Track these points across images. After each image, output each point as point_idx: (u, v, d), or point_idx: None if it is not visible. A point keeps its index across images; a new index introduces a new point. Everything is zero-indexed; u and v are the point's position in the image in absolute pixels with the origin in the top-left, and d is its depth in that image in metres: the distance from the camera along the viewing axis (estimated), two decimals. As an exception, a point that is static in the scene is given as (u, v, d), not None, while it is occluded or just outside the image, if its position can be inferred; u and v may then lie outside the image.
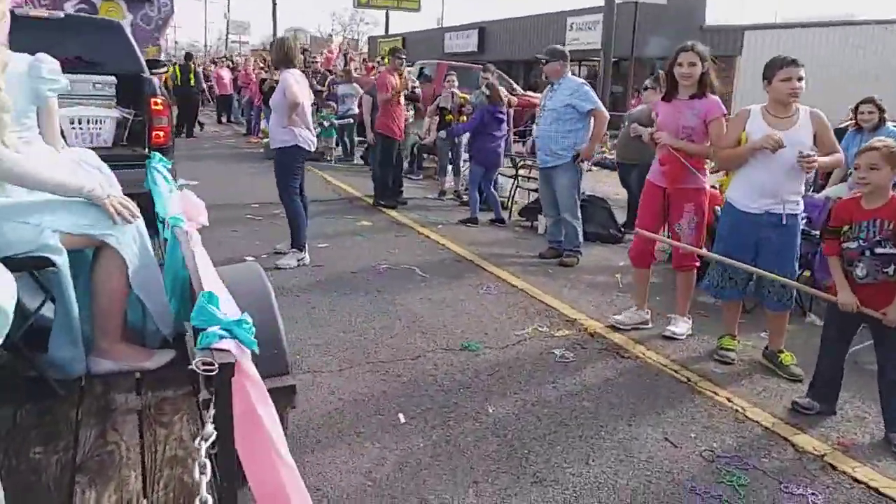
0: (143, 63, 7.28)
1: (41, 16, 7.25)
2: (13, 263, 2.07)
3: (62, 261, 2.15)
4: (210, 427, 1.47)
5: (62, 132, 4.85)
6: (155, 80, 5.93)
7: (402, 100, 7.86)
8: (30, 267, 2.16)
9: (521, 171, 8.07)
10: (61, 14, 7.78)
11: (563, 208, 6.00)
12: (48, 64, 2.59)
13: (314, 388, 3.43)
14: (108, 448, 1.91)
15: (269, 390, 2.30)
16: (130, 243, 2.30)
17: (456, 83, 8.89)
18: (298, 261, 5.50)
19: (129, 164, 5.48)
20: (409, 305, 4.66)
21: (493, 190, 7.57)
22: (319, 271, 5.41)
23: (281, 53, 5.49)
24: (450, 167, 9.16)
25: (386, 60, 8.09)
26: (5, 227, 2.08)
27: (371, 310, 4.56)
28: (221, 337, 1.48)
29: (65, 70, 6.44)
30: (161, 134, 5.87)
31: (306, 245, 5.74)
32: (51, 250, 2.13)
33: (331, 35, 35.75)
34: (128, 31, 7.25)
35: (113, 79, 6.00)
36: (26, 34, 6.49)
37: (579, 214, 6.08)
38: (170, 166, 4.13)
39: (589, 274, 5.73)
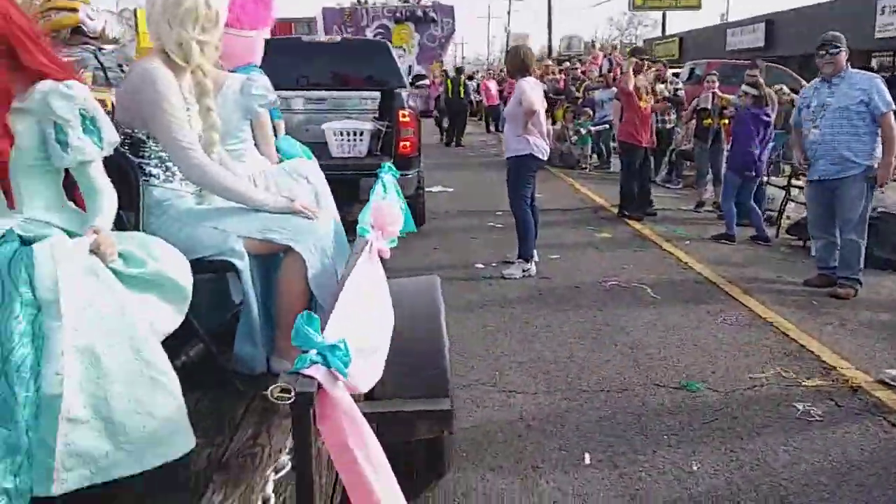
0: (404, 78, 7.83)
1: (322, 41, 8.18)
2: (200, 265, 2.25)
3: (243, 265, 2.27)
4: (283, 458, 1.39)
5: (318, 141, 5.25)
6: (404, 93, 6.28)
7: (647, 103, 7.29)
8: (214, 270, 2.33)
9: (794, 182, 6.98)
10: (338, 38, 8.71)
11: (846, 226, 4.95)
12: (258, 82, 2.81)
13: (504, 408, 3.26)
14: (254, 450, 1.95)
15: (420, 413, 2.23)
16: (311, 248, 2.35)
17: (717, 83, 8.02)
18: (524, 272, 5.38)
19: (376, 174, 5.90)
20: (629, 329, 4.25)
21: (752, 203, 6.65)
22: (543, 284, 5.22)
23: (517, 61, 5.42)
24: (710, 175, 8.31)
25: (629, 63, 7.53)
26: (199, 230, 2.26)
27: (587, 330, 4.25)
28: (314, 362, 1.39)
29: (338, 87, 7.15)
30: (407, 144, 6.20)
31: (534, 256, 5.60)
32: (234, 255, 2.26)
33: (593, 42, 35.15)
34: (392, 50, 7.84)
35: (377, 94, 6.48)
36: (310, 57, 7.38)
37: (866, 235, 5.01)
38: (398, 176, 4.33)
39: (868, 310, 4.69)
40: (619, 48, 20.45)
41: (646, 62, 7.54)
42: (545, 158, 5.47)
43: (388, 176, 4.14)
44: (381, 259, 2.51)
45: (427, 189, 9.42)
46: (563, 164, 11.82)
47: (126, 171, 2.21)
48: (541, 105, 5.39)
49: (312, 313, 1.44)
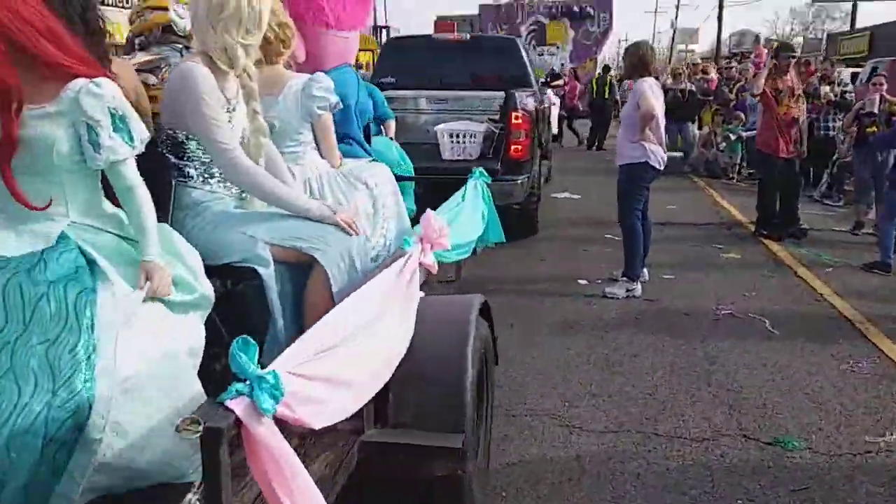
0: (531, 78, 7.60)
1: (451, 38, 8.14)
2: (226, 271, 2.24)
3: (268, 273, 2.22)
4: (189, 496, 1.31)
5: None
6: (520, 94, 6.06)
7: (788, 108, 6.48)
8: (240, 276, 2.29)
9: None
10: (467, 36, 8.62)
11: None
12: (321, 83, 2.76)
13: (563, 446, 3.01)
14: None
15: (430, 449, 2.07)
16: (337, 261, 2.27)
17: (885, 85, 6.98)
18: (628, 292, 5.00)
19: (494, 178, 5.73)
20: (731, 367, 3.79)
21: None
22: (646, 307, 4.81)
23: (635, 59, 5.02)
24: (873, 192, 7.29)
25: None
26: (229, 234, 2.24)
27: (681, 364, 3.84)
28: (239, 393, 1.29)
29: (462, 87, 7.03)
30: (518, 147, 5.99)
31: (643, 275, 5.19)
32: (259, 261, 2.22)
33: (757, 38, 32.30)
34: (522, 48, 7.64)
35: (498, 94, 6.27)
36: (440, 55, 7.36)
37: None
38: (489, 182, 4.16)
39: None
40: (802, 44, 18.55)
41: (793, 60, 6.71)
42: (661, 168, 5.04)
43: (474, 182, 4.01)
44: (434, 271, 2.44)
45: (553, 195, 9.18)
46: (707, 172, 11.01)
47: (159, 170, 2.23)
48: (660, 109, 4.97)
49: (249, 339, 1.34)
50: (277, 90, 2.72)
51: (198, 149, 2.26)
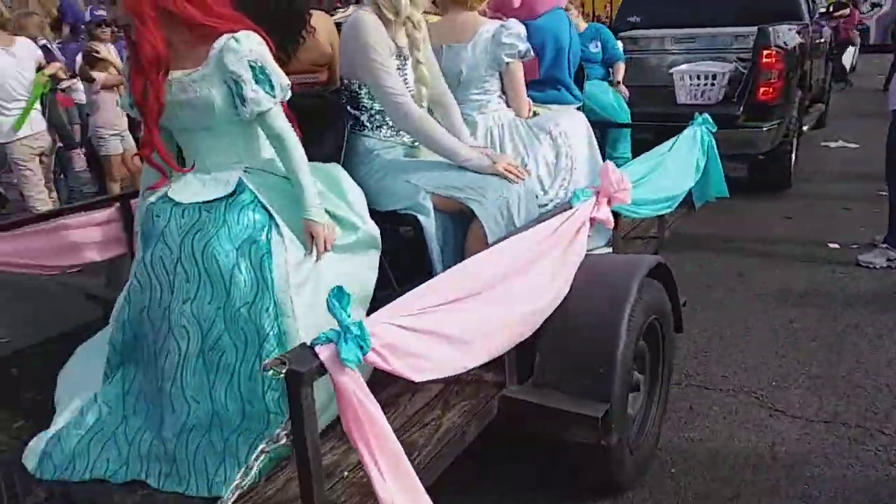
0: (805, 8, 6.55)
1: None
2: (389, 217, 2.33)
3: (428, 221, 2.28)
4: (279, 432, 1.39)
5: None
6: (775, 28, 5.27)
7: None
8: (402, 223, 2.37)
9: None
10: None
11: None
12: (512, 30, 2.68)
13: (756, 430, 2.67)
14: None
15: (566, 413, 1.97)
16: (494, 213, 2.25)
17: None
18: (889, 261, 4.18)
19: (720, 126, 5.12)
20: None
21: None
22: (912, 282, 4.00)
23: None
24: None
25: None
26: (395, 182, 2.33)
27: (942, 354, 3.14)
28: (328, 340, 1.34)
29: (715, 23, 6.35)
30: (769, 90, 5.27)
31: None
32: (421, 209, 2.29)
33: None
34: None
35: (753, 30, 5.54)
36: None
37: None
38: (714, 130, 3.76)
39: None
40: None
41: None
42: (952, 115, 4.07)
43: (694, 130, 3.63)
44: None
45: (824, 143, 7.94)
46: None
47: (335, 118, 2.37)
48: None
49: (344, 288, 1.37)
50: (468, 37, 2.70)
51: (369, 98, 2.34)
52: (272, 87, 1.81)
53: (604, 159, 3.82)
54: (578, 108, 3.79)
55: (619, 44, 6.19)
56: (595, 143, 3.22)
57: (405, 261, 2.50)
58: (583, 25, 5.42)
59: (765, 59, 5.20)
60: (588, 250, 3.03)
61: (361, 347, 1.34)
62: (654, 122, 4.75)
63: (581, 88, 3.91)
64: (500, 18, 3.62)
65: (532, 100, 3.57)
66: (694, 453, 2.54)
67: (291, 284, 1.79)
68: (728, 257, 4.52)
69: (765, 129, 5.27)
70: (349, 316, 1.30)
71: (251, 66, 1.78)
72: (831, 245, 4.64)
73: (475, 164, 2.29)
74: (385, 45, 2.25)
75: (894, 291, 3.85)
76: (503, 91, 2.86)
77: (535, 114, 3.39)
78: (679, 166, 3.30)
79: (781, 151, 5.72)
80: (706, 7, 6.40)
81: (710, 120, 3.73)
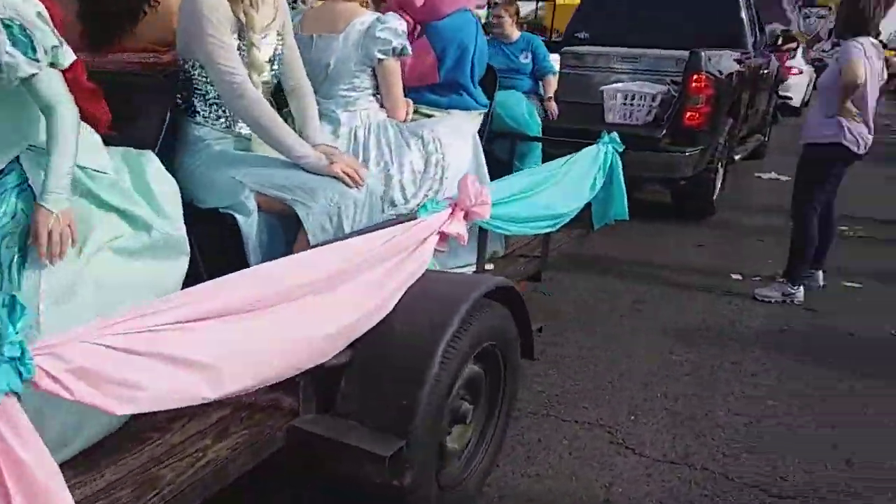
0: (747, 38, 6.53)
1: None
2: (209, 216, 2.15)
3: (248, 223, 2.11)
4: None
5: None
6: (707, 53, 5.22)
7: None
8: (220, 223, 2.17)
9: None
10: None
11: None
12: (387, 23, 2.53)
13: (600, 467, 2.55)
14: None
15: (354, 449, 1.80)
16: (322, 219, 2.09)
17: None
18: (785, 296, 4.15)
19: (643, 147, 5.07)
20: (878, 419, 2.95)
21: None
22: (802, 319, 3.95)
23: (851, 10, 3.95)
24: None
25: None
26: (220, 176, 2.15)
27: (812, 399, 3.06)
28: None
29: (656, 45, 6.29)
30: (695, 115, 5.22)
31: (815, 279, 4.31)
32: (240, 209, 2.12)
33: None
34: (742, 4, 6.56)
35: (684, 54, 5.45)
36: (646, 9, 6.64)
37: None
38: (621, 150, 3.66)
39: None
40: None
41: None
42: (861, 153, 4.04)
43: (597, 148, 3.52)
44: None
45: (757, 174, 7.97)
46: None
47: (154, 99, 2.17)
48: (872, 78, 3.95)
49: (17, 297, 1.18)
50: (341, 27, 2.55)
51: (205, 81, 2.16)
52: (34, 50, 1.57)
53: (511, 171, 3.74)
54: (485, 115, 3.68)
55: (557, 57, 6.12)
56: (481, 153, 3.10)
57: (223, 267, 2.32)
58: (515, 35, 5.30)
59: (693, 84, 5.16)
60: (458, 267, 2.94)
61: (19, 373, 1.13)
62: (569, 138, 4.65)
63: (492, 95, 3.80)
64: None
65: (432, 104, 3.46)
66: (526, 491, 2.41)
67: (42, 290, 1.57)
68: (629, 282, 4.44)
69: (687, 153, 5.22)
70: (16, 332, 1.12)
71: (5, 26, 1.53)
72: (734, 276, 4.60)
73: (310, 162, 2.13)
74: (225, 19, 2.06)
75: (781, 329, 3.81)
76: (378, 90, 2.72)
77: (426, 116, 3.28)
78: (570, 184, 3.18)
79: (704, 178, 5.69)
80: (655, 30, 6.35)
81: (618, 140, 3.64)
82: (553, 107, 5.26)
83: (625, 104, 5.52)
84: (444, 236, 2.24)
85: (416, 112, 3.41)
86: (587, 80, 6.08)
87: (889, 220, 6.07)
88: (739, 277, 4.58)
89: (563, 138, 4.48)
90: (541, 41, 5.35)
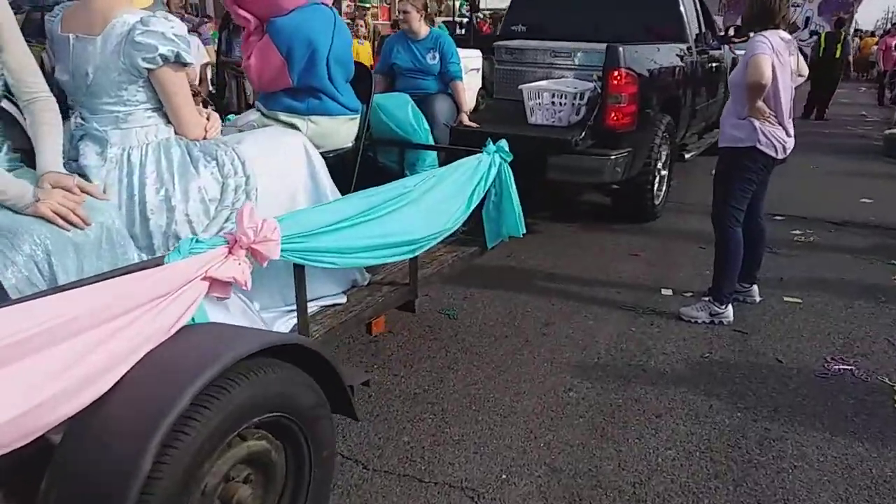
0: (686, 33, 6.13)
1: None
2: None
3: None
4: None
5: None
6: (627, 48, 4.77)
7: None
8: None
9: None
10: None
11: None
12: (151, 26, 2.07)
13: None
14: None
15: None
16: (29, 272, 1.63)
17: None
18: (713, 316, 3.71)
19: (565, 151, 4.65)
20: (804, 459, 2.52)
21: None
22: (730, 342, 3.51)
23: (757, 6, 3.57)
24: None
25: None
26: None
27: (718, 443, 2.64)
28: None
29: (586, 38, 5.85)
30: (618, 115, 4.78)
31: (750, 295, 3.91)
32: None
33: None
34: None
35: (601, 46, 4.99)
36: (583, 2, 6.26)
37: None
38: (510, 160, 3.25)
39: None
40: None
41: None
42: (780, 156, 3.62)
43: (476, 159, 3.12)
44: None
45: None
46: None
47: None
48: (785, 76, 3.52)
49: None
50: (98, 28, 2.08)
51: None
52: None
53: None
54: (361, 121, 3.27)
55: (477, 58, 5.68)
56: (319, 171, 2.66)
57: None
58: (423, 31, 4.88)
59: (613, 81, 4.71)
60: (314, 298, 2.48)
61: None
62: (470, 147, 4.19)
63: (367, 97, 3.37)
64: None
65: (291, 110, 3.03)
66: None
67: None
68: (544, 300, 4.00)
69: (613, 157, 4.78)
70: None
71: None
72: (664, 291, 4.17)
73: (10, 199, 1.68)
74: None
75: (701, 356, 3.37)
76: None
77: (289, 125, 2.88)
78: (434, 203, 2.74)
79: (640, 182, 5.26)
80: (593, 23, 5.95)
81: (506, 148, 3.21)
82: (464, 119, 4.84)
83: (548, 103, 5.05)
84: (214, 283, 1.80)
85: (275, 120, 3.00)
86: (519, 77, 5.67)
87: (849, 222, 5.66)
88: (669, 293, 4.14)
89: (452, 146, 4.05)
90: (450, 40, 4.92)
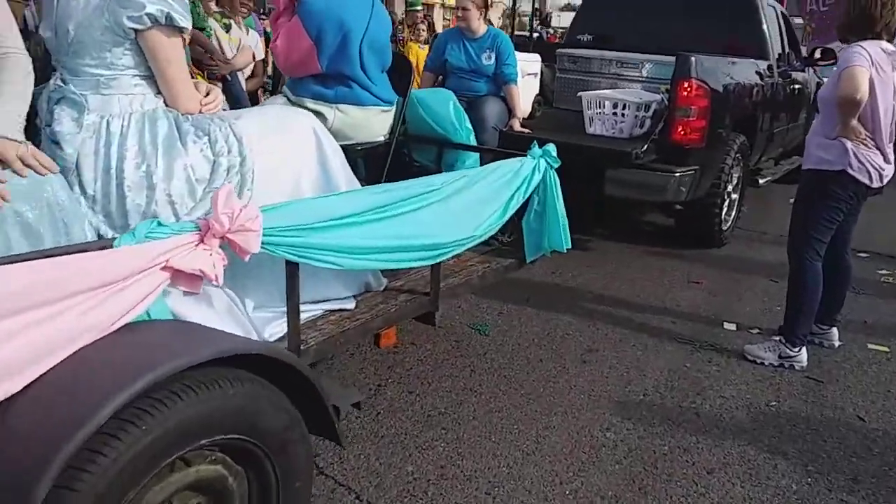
0: (768, 47, 5.66)
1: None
2: None
3: None
4: None
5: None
6: (700, 59, 4.35)
7: None
8: None
9: None
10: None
11: None
12: None
13: None
14: None
15: None
16: None
17: None
18: (782, 359, 3.23)
19: (623, 164, 4.26)
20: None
21: None
22: (804, 390, 3.02)
23: (855, 12, 3.09)
24: None
25: None
26: None
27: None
28: None
29: (658, 50, 5.49)
30: (686, 130, 4.35)
31: (829, 338, 3.42)
32: None
33: None
34: (760, 5, 5.73)
35: (672, 59, 4.62)
36: (656, 12, 5.92)
37: None
38: (557, 166, 2.91)
39: None
40: None
41: None
42: (877, 185, 3.12)
43: (519, 162, 2.81)
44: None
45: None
46: None
47: None
48: (885, 92, 3.04)
49: None
50: None
51: None
52: None
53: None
54: (396, 114, 3.01)
55: (536, 62, 5.36)
56: (334, 159, 2.37)
57: None
58: (481, 30, 4.59)
59: (683, 92, 4.28)
60: (317, 300, 2.20)
61: None
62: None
63: (405, 90, 3.09)
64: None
65: (318, 97, 2.78)
66: None
67: None
68: (588, 324, 3.60)
69: (678, 174, 4.34)
70: None
71: None
72: (727, 325, 3.70)
73: None
74: None
75: (767, 404, 2.91)
76: None
77: (316, 113, 2.64)
78: (462, 205, 2.42)
79: (707, 204, 4.79)
80: (666, 35, 5.54)
81: (554, 153, 2.86)
82: (516, 124, 4.52)
83: (604, 113, 4.66)
84: (177, 273, 1.52)
85: (301, 107, 2.75)
86: (582, 86, 5.31)
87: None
88: (733, 328, 3.67)
89: (495, 149, 3.72)
90: (508, 40, 4.61)
